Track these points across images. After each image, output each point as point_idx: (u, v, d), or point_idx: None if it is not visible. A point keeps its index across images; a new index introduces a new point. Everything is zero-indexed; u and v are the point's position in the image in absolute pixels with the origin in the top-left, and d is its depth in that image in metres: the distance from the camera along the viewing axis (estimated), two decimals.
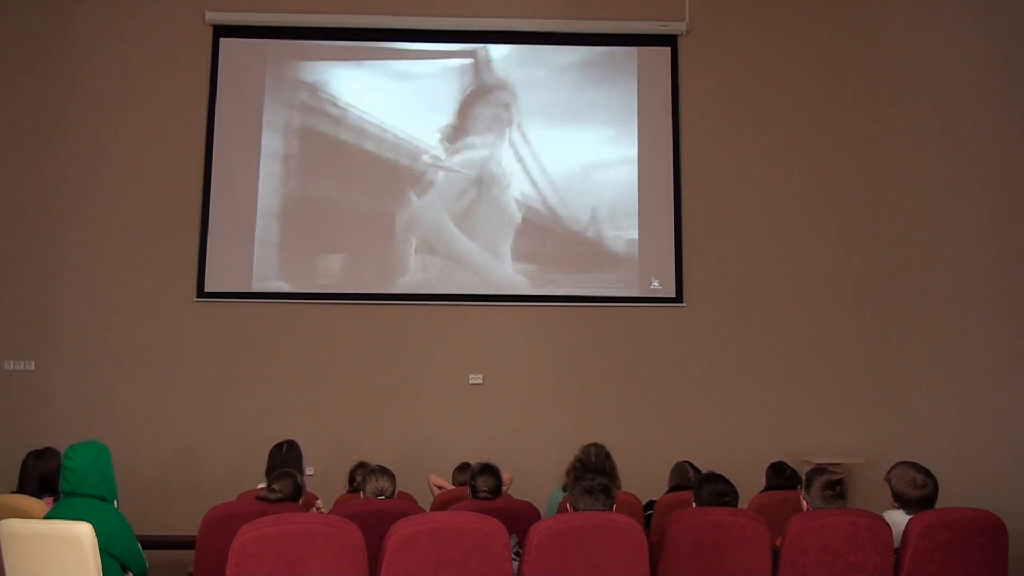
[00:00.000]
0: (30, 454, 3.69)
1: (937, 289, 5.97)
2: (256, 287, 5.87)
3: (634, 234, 6.00)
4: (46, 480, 3.59)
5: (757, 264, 6.00)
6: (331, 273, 5.93)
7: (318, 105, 6.04)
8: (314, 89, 6.05)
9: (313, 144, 6.01)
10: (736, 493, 3.49)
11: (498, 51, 6.16)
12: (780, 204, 6.06)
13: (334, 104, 6.04)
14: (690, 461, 4.47)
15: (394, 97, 6.07)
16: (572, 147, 6.07)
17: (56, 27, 6.00)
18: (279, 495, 3.42)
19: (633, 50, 6.18)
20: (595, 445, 4.19)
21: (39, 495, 3.55)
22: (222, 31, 6.06)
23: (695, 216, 6.03)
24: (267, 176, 5.97)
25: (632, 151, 6.08)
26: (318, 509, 3.81)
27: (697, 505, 3.48)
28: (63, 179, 5.90)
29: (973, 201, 6.05)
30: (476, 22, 6.14)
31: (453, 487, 4.56)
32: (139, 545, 3.16)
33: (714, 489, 3.46)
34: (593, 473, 3.71)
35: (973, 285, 5.97)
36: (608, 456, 4.13)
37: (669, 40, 6.18)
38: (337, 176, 5.99)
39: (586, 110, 6.11)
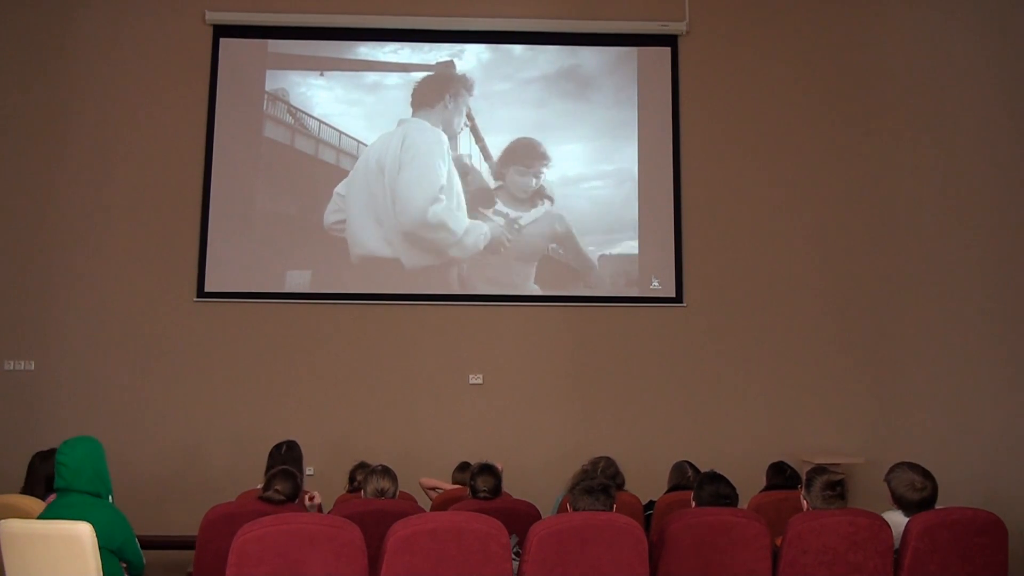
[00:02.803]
0: (36, 455, 3.68)
1: (936, 289, 5.97)
2: (256, 287, 5.87)
3: (633, 235, 6.01)
4: (52, 480, 3.58)
5: (757, 264, 6.00)
6: (330, 272, 5.93)
7: (312, 109, 6.05)
8: (309, 92, 6.06)
9: (309, 144, 6.02)
10: (736, 495, 3.47)
11: (495, 54, 6.17)
12: (780, 204, 6.06)
13: (331, 105, 6.06)
14: (689, 461, 4.47)
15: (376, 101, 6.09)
16: (569, 149, 6.08)
17: (57, 27, 6.00)
18: (282, 497, 3.43)
19: (633, 50, 6.19)
20: (605, 459, 4.13)
21: (44, 496, 3.54)
22: (222, 31, 6.06)
23: (695, 216, 6.03)
24: (267, 175, 5.98)
25: (632, 151, 6.08)
26: (311, 503, 3.80)
27: (697, 505, 3.47)
28: (63, 179, 5.90)
29: (971, 201, 6.05)
30: (476, 22, 6.13)
31: (449, 486, 4.56)
32: (137, 541, 3.14)
33: (715, 490, 3.43)
34: None
35: (972, 285, 5.97)
36: (617, 473, 4.06)
37: (669, 40, 6.18)
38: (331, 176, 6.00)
39: (584, 111, 6.12)
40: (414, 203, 5.96)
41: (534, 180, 6.02)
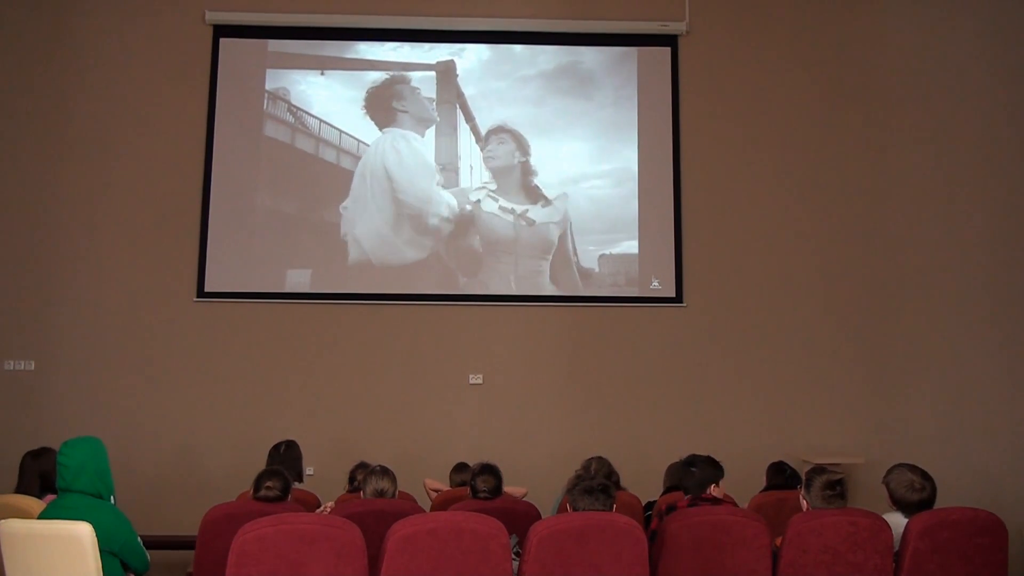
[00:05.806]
0: (28, 454, 3.69)
1: (936, 290, 5.97)
2: (256, 287, 5.87)
3: (633, 234, 6.00)
4: (46, 478, 3.59)
5: (757, 264, 6.00)
6: (330, 272, 5.93)
7: (312, 107, 6.05)
8: (308, 92, 6.07)
9: (308, 144, 6.03)
10: (722, 470, 3.62)
11: (495, 52, 6.17)
12: (780, 204, 6.06)
13: (331, 104, 6.06)
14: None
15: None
16: (567, 151, 6.08)
17: (57, 27, 6.00)
18: (276, 492, 3.44)
19: (633, 50, 6.19)
20: (597, 459, 4.14)
21: (40, 494, 3.55)
22: (222, 31, 6.06)
23: (695, 216, 6.03)
24: (267, 174, 5.97)
25: (632, 151, 6.08)
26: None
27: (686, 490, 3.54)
28: (63, 179, 5.90)
29: (972, 201, 6.05)
30: (476, 22, 6.13)
31: (449, 489, 4.55)
32: (140, 541, 3.12)
33: (703, 475, 3.59)
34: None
35: (972, 286, 5.97)
36: (611, 472, 4.06)
37: (669, 40, 6.18)
38: (331, 176, 6.00)
39: (584, 110, 6.12)
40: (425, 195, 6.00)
41: (515, 151, 6.00)
